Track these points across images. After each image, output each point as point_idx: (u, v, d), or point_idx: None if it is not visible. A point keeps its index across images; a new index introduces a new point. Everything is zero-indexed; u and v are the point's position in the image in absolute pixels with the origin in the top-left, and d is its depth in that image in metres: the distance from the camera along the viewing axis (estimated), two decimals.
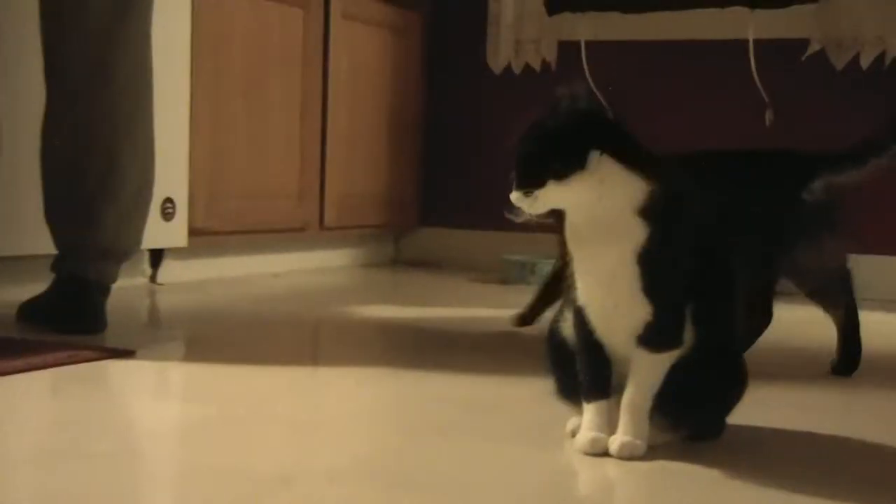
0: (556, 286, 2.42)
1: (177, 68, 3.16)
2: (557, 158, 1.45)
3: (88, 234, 2.39)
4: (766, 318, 2.35)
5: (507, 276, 3.84)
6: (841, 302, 2.25)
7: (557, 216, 1.51)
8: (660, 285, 1.48)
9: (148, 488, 1.41)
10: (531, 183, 1.46)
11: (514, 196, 1.47)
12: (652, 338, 1.51)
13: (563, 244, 1.53)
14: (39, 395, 1.89)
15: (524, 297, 3.51)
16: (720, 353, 1.58)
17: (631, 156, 1.47)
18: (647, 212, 1.46)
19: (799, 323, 3.11)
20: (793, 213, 2.17)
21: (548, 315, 2.55)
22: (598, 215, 1.47)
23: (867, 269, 3.34)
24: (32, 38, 2.42)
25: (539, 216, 1.48)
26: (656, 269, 1.48)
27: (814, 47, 3.82)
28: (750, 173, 2.25)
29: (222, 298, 3.14)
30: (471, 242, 4.25)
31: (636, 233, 1.46)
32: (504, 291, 3.66)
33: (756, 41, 3.81)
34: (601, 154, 1.45)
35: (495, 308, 3.24)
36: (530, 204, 1.46)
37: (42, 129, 2.42)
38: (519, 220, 1.49)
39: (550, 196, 1.46)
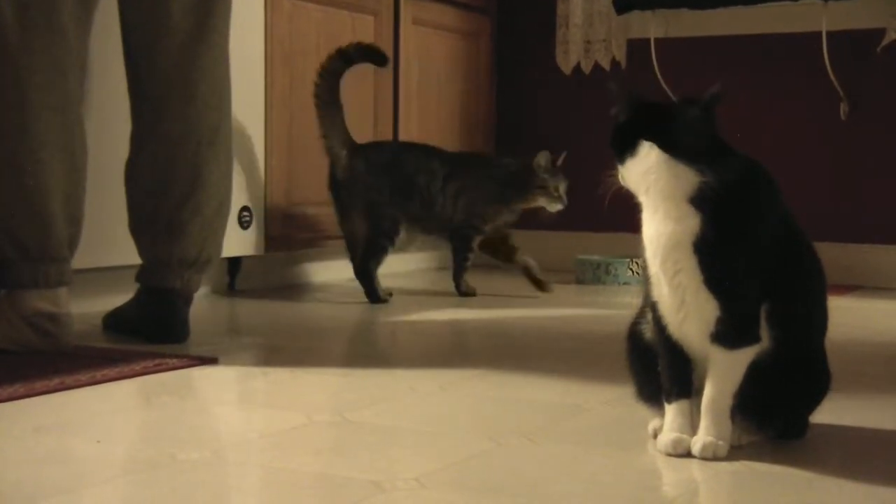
0: None
1: (252, 79, 3.21)
2: (617, 144, 1.53)
3: (174, 246, 2.43)
4: None
5: (581, 276, 3.84)
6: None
7: None
8: (723, 278, 1.49)
9: (239, 495, 1.44)
10: (615, 158, 1.55)
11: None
12: (724, 334, 1.51)
13: None
14: (131, 403, 1.93)
15: (600, 297, 3.52)
16: (802, 352, 1.57)
17: (682, 148, 1.48)
18: (699, 201, 1.48)
19: (880, 317, 3.08)
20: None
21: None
22: (652, 201, 1.51)
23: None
24: (116, 54, 2.47)
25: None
26: (716, 261, 1.48)
27: (890, 36, 3.75)
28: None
29: (300, 305, 3.17)
30: (544, 243, 4.25)
31: (688, 220, 1.48)
32: (579, 292, 3.66)
33: (829, 33, 3.76)
34: (651, 145, 1.48)
35: (572, 308, 3.24)
36: (619, 175, 1.55)
37: (130, 144, 2.47)
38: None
39: (622, 173, 1.54)
